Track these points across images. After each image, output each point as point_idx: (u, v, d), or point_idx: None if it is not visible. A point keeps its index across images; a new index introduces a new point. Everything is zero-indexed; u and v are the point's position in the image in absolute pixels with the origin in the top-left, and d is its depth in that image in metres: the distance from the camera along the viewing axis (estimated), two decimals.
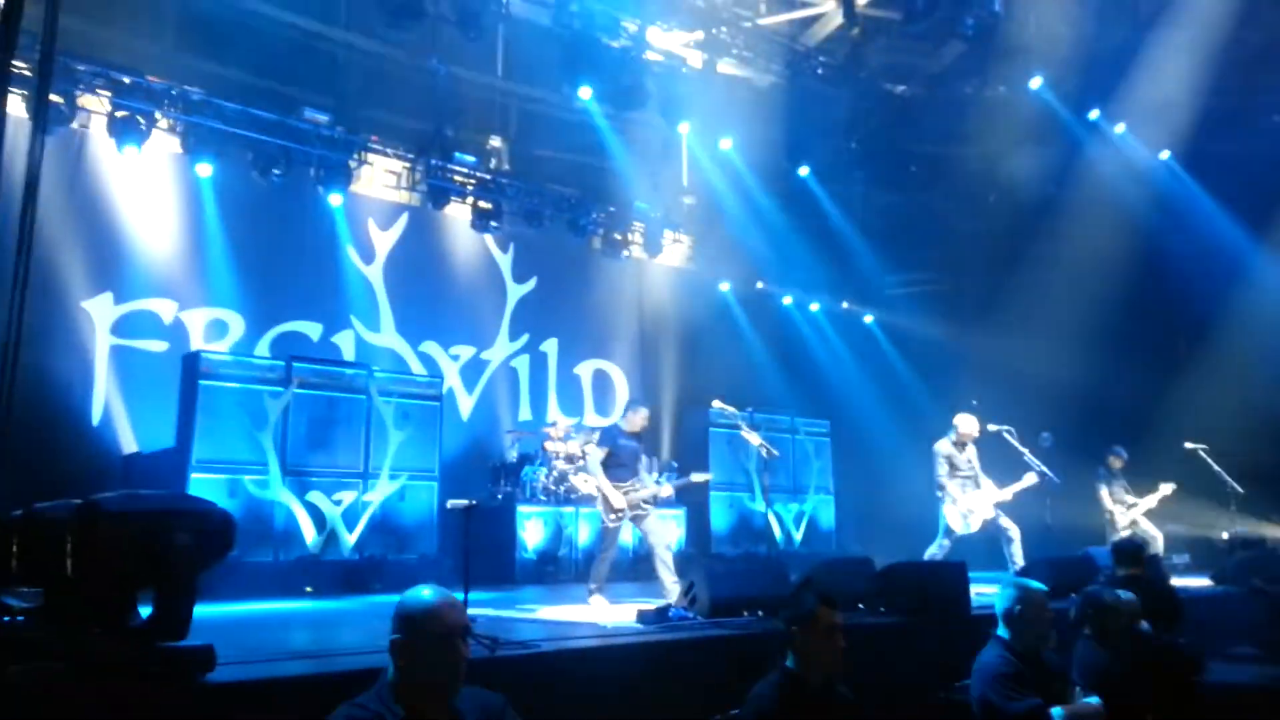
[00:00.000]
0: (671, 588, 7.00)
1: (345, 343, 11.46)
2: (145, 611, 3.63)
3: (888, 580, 6.71)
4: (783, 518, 13.17)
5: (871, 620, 6.36)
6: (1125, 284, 12.90)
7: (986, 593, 6.58)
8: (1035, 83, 12.97)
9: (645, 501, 7.61)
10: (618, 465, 7.67)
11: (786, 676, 3.69)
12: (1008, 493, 9.05)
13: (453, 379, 12.29)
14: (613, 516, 7.56)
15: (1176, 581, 8.75)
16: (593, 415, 13.45)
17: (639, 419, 7.84)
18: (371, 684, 2.93)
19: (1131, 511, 10.63)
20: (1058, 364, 12.53)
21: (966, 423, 9.29)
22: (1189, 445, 10.64)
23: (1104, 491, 10.71)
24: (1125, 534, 10.18)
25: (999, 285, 13.49)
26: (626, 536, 8.50)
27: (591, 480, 11.12)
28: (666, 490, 8.00)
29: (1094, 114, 13.46)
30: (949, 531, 9.04)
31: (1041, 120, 13.09)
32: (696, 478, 8.42)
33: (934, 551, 9.02)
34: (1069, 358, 12.57)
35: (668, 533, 7.71)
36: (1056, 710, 4.29)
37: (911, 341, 14.78)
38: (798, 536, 13.33)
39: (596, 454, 7.76)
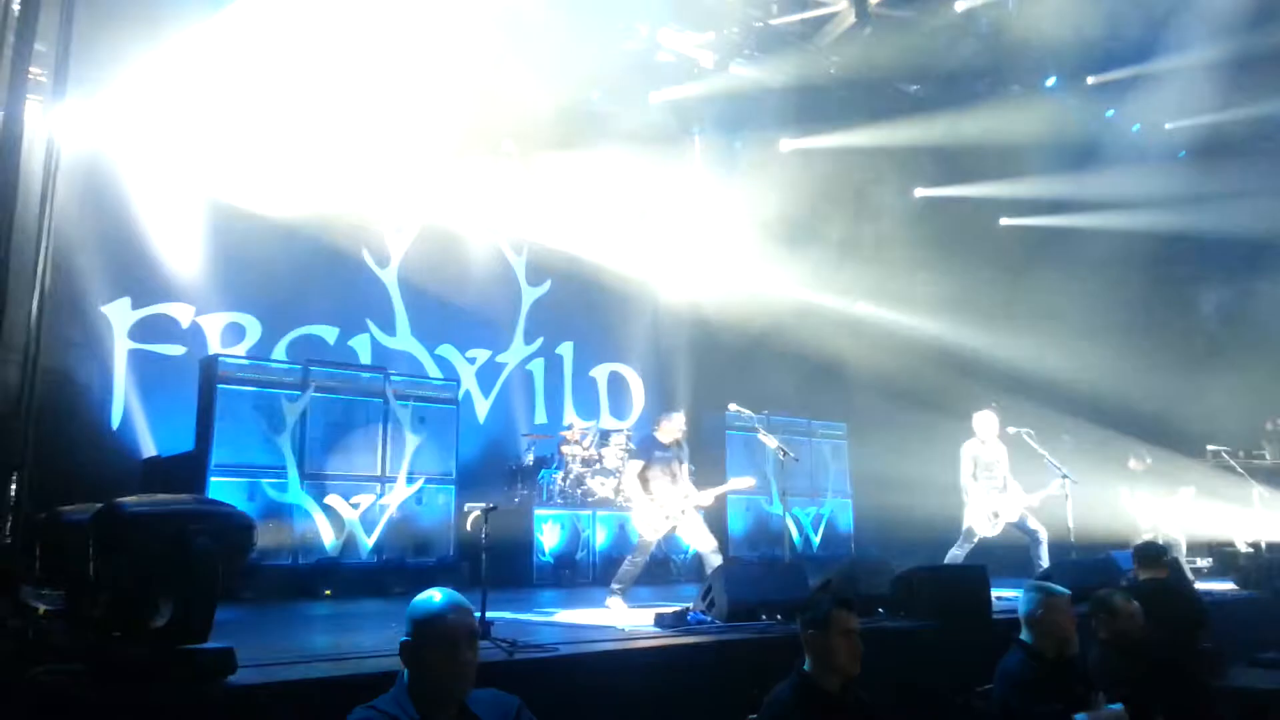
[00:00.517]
0: None
1: (361, 346, 11.49)
2: (167, 614, 3.64)
3: (908, 584, 6.66)
4: (801, 521, 13.14)
5: (892, 625, 6.32)
6: (1144, 284, 12.84)
7: (1008, 597, 6.55)
8: (1049, 81, 12.91)
9: (684, 510, 7.57)
10: (655, 477, 7.60)
11: (803, 680, 3.68)
12: (1035, 498, 8.97)
13: (469, 382, 12.31)
14: (651, 530, 7.53)
15: (1200, 586, 8.69)
16: (609, 418, 13.44)
17: (674, 426, 7.76)
18: (390, 686, 2.94)
19: (1154, 514, 10.54)
20: (1078, 365, 12.45)
21: (984, 420, 9.23)
22: (1211, 448, 10.55)
23: (1124, 493, 10.63)
24: (1147, 537, 10.10)
25: (1017, 285, 13.44)
26: None
27: (610, 483, 11.20)
28: (707, 498, 7.91)
29: (1110, 113, 13.40)
30: (971, 533, 9.00)
31: (1056, 119, 13.03)
32: (737, 483, 8.38)
33: (956, 553, 8.97)
34: (1089, 358, 12.49)
35: (709, 536, 7.66)
36: (1079, 716, 4.25)
37: (928, 342, 14.70)
38: (816, 540, 13.29)
39: (633, 467, 7.71)
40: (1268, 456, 12.53)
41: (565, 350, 13.43)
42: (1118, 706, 4.46)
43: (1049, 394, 12.08)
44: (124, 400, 9.67)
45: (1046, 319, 13.00)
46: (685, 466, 7.84)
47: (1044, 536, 8.85)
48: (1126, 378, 12.52)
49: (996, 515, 8.94)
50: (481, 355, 12.56)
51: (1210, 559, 10.62)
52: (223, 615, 3.78)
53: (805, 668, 3.71)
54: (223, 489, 8.61)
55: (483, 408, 12.45)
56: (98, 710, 3.35)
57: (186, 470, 8.84)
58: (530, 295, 13.24)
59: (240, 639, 3.89)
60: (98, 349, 9.61)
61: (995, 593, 6.75)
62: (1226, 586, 9.29)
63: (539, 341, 13.17)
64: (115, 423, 9.61)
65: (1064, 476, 8.81)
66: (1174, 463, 10.97)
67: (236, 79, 9.80)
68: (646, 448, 7.79)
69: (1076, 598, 4.86)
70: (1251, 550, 10.12)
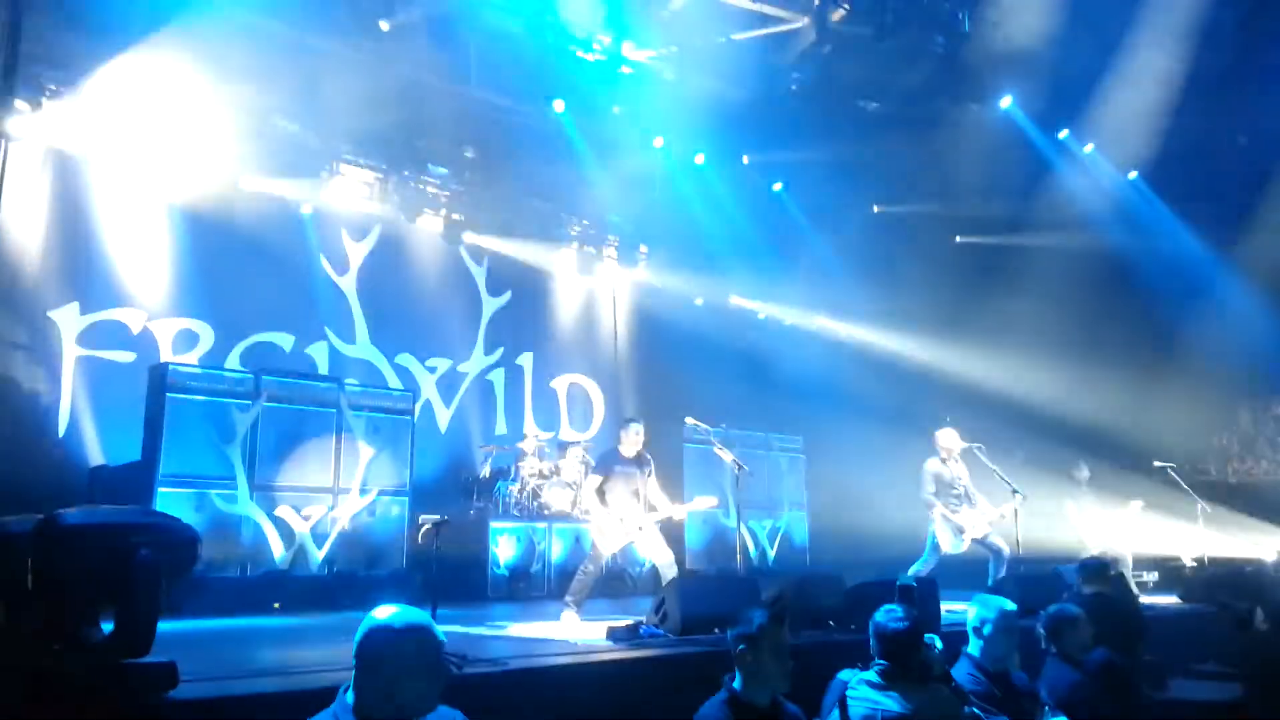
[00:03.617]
0: None
1: (319, 354, 11.37)
2: (107, 627, 3.59)
3: (858, 598, 6.71)
4: (756, 534, 13.18)
5: (841, 638, 6.36)
6: (1093, 301, 13.09)
7: (959, 610, 6.62)
8: (1005, 102, 13.15)
9: (643, 526, 7.54)
10: (615, 491, 7.54)
11: (732, 695, 3.66)
12: (998, 512, 9.01)
13: (429, 391, 12.24)
14: (606, 544, 7.50)
15: (1145, 599, 8.84)
16: (568, 430, 13.43)
17: (634, 438, 7.68)
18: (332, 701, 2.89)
19: (1100, 528, 10.69)
20: (1028, 381, 12.65)
21: (946, 437, 9.26)
22: (1158, 463, 10.75)
23: (1071, 507, 10.78)
24: (1095, 552, 10.26)
25: (969, 302, 13.63)
26: None
27: (567, 496, 11.17)
28: (680, 513, 7.90)
29: (1063, 134, 13.67)
30: (936, 549, 9.00)
31: (1011, 139, 13.26)
32: (701, 503, 8.42)
33: (919, 568, 8.98)
34: (1039, 374, 12.69)
35: (666, 550, 7.66)
36: None
37: (884, 357, 14.87)
38: (772, 553, 13.34)
39: (592, 482, 7.66)
40: (1213, 472, 12.81)
41: (525, 361, 13.41)
42: (1062, 718, 4.54)
43: (1002, 409, 12.25)
44: (71, 408, 9.49)
45: (1000, 335, 13.19)
46: (652, 480, 7.77)
47: (1007, 554, 8.90)
48: (1077, 393, 12.75)
49: (962, 531, 8.98)
50: (442, 364, 12.50)
51: (1156, 574, 10.82)
52: (167, 629, 3.72)
53: (735, 684, 3.70)
54: (171, 500, 8.45)
55: (444, 417, 12.38)
56: None
57: (134, 480, 8.67)
58: (491, 305, 13.21)
59: (184, 653, 3.83)
60: (45, 355, 9.43)
61: (945, 606, 6.81)
62: (1171, 600, 9.46)
63: (499, 352, 13.15)
64: (62, 431, 9.42)
65: (1014, 492, 8.91)
66: (1121, 478, 11.16)
67: (193, 81, 9.67)
68: (607, 462, 7.74)
69: (1023, 611, 4.93)
70: (1196, 565, 10.34)
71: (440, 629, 3.00)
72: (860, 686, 3.91)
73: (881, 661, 3.96)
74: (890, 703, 3.81)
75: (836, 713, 3.88)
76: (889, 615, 4.03)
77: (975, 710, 4.10)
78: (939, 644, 4.27)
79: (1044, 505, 10.03)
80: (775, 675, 3.68)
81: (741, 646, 3.69)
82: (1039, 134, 13.45)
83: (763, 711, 3.67)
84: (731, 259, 14.11)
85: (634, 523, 7.50)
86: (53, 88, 9.28)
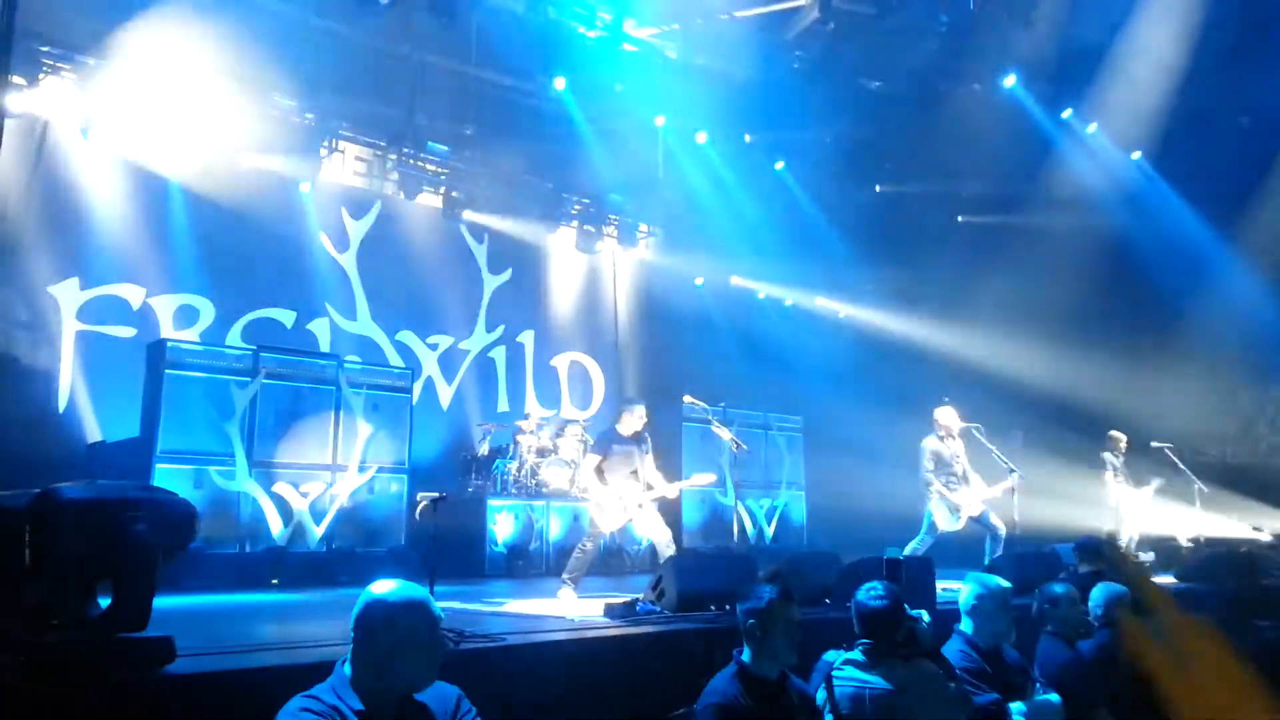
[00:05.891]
0: None
1: (320, 331, 11.38)
2: (104, 603, 3.60)
3: (854, 575, 6.73)
4: (754, 513, 13.21)
5: (837, 615, 6.38)
6: (1094, 282, 13.06)
7: (954, 588, 6.65)
8: (1009, 81, 13.08)
9: (642, 504, 7.56)
10: (614, 469, 7.53)
11: (741, 669, 3.70)
12: (995, 491, 9.02)
13: (431, 368, 12.26)
14: (606, 522, 7.52)
15: None
16: (569, 408, 13.45)
17: (635, 418, 7.65)
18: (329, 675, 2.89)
19: (1129, 501, 10.62)
20: (1028, 361, 12.64)
21: (945, 415, 9.23)
22: (1155, 444, 10.75)
23: (1109, 475, 10.70)
24: (1127, 524, 10.26)
25: (971, 282, 13.61)
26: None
27: (565, 474, 11.19)
28: (671, 491, 7.94)
29: (1066, 113, 13.60)
30: (933, 528, 9.01)
31: (1015, 118, 13.20)
32: (699, 479, 8.42)
33: (915, 546, 8.98)
34: (1039, 355, 12.68)
35: (664, 528, 7.66)
36: (1016, 705, 4.33)
37: (884, 337, 14.85)
38: (769, 532, 13.37)
39: (590, 460, 7.66)
40: (1211, 453, 12.80)
41: (526, 339, 13.41)
42: (1055, 697, 4.55)
43: (1000, 389, 12.25)
44: (70, 383, 9.50)
45: (1001, 315, 13.17)
46: (648, 458, 7.78)
47: (1003, 533, 8.91)
48: (1077, 374, 12.74)
49: (959, 509, 8.98)
50: (443, 342, 12.51)
51: (1153, 554, 10.85)
52: (166, 604, 3.74)
53: (744, 657, 3.73)
54: (169, 476, 8.47)
55: (445, 395, 12.40)
56: (33, 699, 3.29)
57: (132, 456, 8.69)
58: (491, 283, 13.20)
59: (182, 628, 3.84)
60: (44, 330, 9.43)
61: (941, 584, 6.83)
62: (1167, 580, 9.48)
63: (500, 329, 13.15)
64: (61, 406, 9.44)
65: (1011, 471, 8.92)
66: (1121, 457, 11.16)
67: (193, 57, 9.62)
68: (605, 441, 7.74)
69: (1019, 589, 4.94)
70: (1192, 545, 10.36)
71: (437, 604, 2.98)
72: (845, 667, 3.93)
73: (865, 640, 3.98)
74: (876, 680, 3.84)
75: (823, 693, 3.90)
76: (869, 593, 4.05)
77: (964, 687, 4.12)
78: (926, 617, 4.28)
79: (1041, 485, 10.03)
80: (784, 649, 3.71)
81: (752, 621, 3.72)
82: (1042, 113, 13.38)
83: (771, 684, 3.70)
84: (732, 238, 14.07)
85: (632, 501, 7.52)
86: (50, 63, 9.23)
